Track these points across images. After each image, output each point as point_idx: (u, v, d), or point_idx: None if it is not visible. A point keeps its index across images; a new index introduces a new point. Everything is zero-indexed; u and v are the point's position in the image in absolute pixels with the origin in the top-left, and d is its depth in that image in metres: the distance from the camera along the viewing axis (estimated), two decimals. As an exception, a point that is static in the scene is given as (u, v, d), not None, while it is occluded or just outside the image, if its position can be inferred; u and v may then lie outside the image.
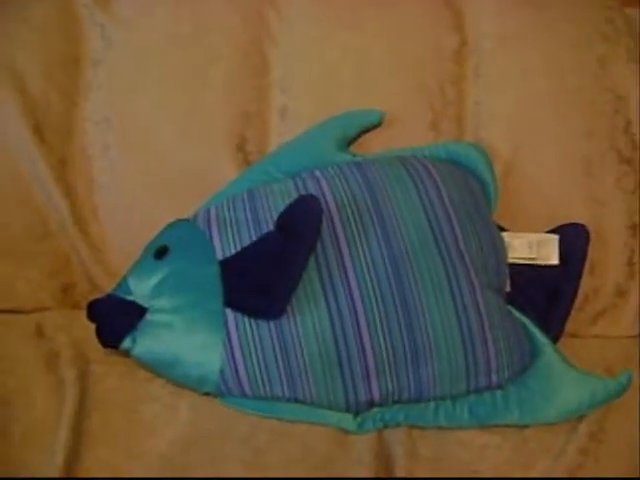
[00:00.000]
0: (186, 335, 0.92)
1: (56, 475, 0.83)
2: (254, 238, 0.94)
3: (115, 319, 0.95)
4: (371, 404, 0.93)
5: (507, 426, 0.93)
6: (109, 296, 0.97)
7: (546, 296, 1.04)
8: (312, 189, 0.98)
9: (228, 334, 0.90)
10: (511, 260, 1.03)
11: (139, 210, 1.09)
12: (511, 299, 1.01)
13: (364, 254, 0.93)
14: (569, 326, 1.04)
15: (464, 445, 0.92)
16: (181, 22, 1.12)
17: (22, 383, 0.93)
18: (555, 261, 1.04)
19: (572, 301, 1.04)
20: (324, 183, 0.99)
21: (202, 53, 1.11)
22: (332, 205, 0.96)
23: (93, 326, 0.95)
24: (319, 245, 0.93)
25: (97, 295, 1.00)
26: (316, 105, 1.10)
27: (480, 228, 1.00)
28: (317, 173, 1.01)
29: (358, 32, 1.12)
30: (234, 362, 0.91)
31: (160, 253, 0.96)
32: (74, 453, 0.86)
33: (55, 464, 0.84)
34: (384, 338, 0.91)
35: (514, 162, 1.09)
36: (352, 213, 0.96)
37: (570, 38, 1.13)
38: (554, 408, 0.93)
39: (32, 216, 1.08)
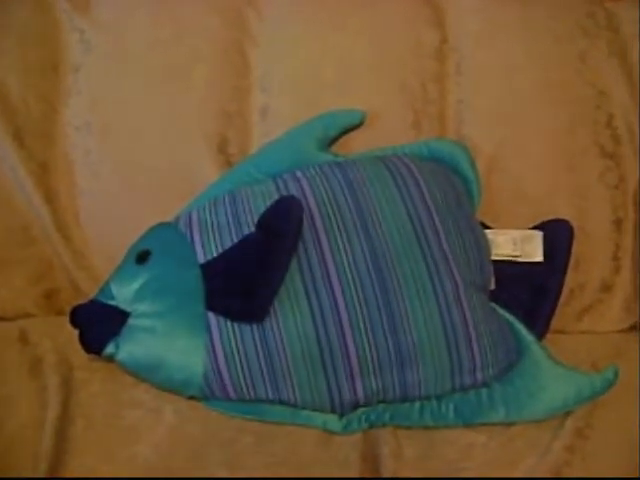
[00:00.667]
0: (169, 339, 0.91)
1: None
2: (235, 241, 0.94)
3: (98, 325, 0.94)
4: (356, 404, 0.93)
5: (493, 424, 0.93)
6: (92, 302, 0.97)
7: (531, 293, 1.03)
8: (293, 190, 0.98)
9: (211, 337, 0.90)
10: (495, 257, 1.03)
11: (121, 214, 1.09)
12: (496, 296, 1.00)
13: (346, 254, 0.93)
14: (555, 322, 1.04)
15: (450, 444, 0.92)
16: (161, 25, 1.11)
17: (6, 390, 0.93)
18: (539, 258, 1.04)
19: (557, 297, 1.03)
20: (305, 183, 0.99)
21: (182, 55, 1.10)
22: (313, 205, 0.95)
23: (76, 332, 0.95)
24: (301, 246, 0.92)
25: (81, 300, 0.99)
26: (297, 105, 1.09)
27: (463, 226, 0.99)
28: (298, 174, 1.01)
29: (338, 31, 1.11)
30: (217, 365, 0.90)
31: (142, 257, 0.96)
32: (58, 459, 0.86)
33: (39, 470, 0.84)
34: (367, 338, 0.90)
35: (497, 159, 1.09)
36: (334, 213, 0.95)
37: (551, 33, 1.12)
38: (540, 405, 0.93)
39: (14, 222, 1.07)
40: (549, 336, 1.03)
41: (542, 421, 0.93)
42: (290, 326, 0.90)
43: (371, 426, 0.93)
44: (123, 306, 0.94)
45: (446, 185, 1.02)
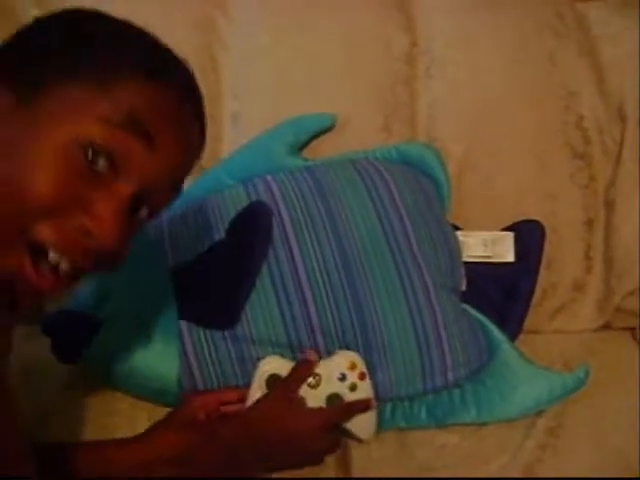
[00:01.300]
0: (142, 347, 0.91)
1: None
2: (206, 247, 0.94)
3: (70, 334, 0.93)
4: (329, 407, 0.93)
5: (465, 424, 0.93)
6: (63, 311, 0.96)
7: (503, 293, 1.04)
8: (263, 195, 0.98)
9: (183, 344, 0.90)
10: (466, 259, 1.03)
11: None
12: (467, 298, 1.01)
13: (317, 259, 0.93)
14: (528, 322, 1.04)
15: (422, 445, 0.92)
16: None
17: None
18: (511, 258, 1.05)
19: (529, 297, 1.04)
20: (275, 188, 0.98)
21: (152, 61, 1.10)
22: (284, 210, 0.95)
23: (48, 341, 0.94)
24: (271, 251, 0.92)
25: (51, 310, 0.98)
26: (268, 109, 1.09)
27: (433, 228, 1.00)
28: (269, 178, 1.00)
29: (308, 34, 1.11)
30: (191, 372, 0.90)
31: (112, 264, 0.95)
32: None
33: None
34: (338, 341, 0.91)
35: (467, 161, 1.09)
36: (304, 218, 0.95)
37: (520, 35, 1.13)
38: (512, 405, 0.93)
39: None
40: (522, 336, 1.03)
41: (514, 420, 0.94)
42: (261, 331, 0.90)
43: (344, 428, 0.94)
44: (94, 313, 0.93)
45: (416, 188, 1.02)
